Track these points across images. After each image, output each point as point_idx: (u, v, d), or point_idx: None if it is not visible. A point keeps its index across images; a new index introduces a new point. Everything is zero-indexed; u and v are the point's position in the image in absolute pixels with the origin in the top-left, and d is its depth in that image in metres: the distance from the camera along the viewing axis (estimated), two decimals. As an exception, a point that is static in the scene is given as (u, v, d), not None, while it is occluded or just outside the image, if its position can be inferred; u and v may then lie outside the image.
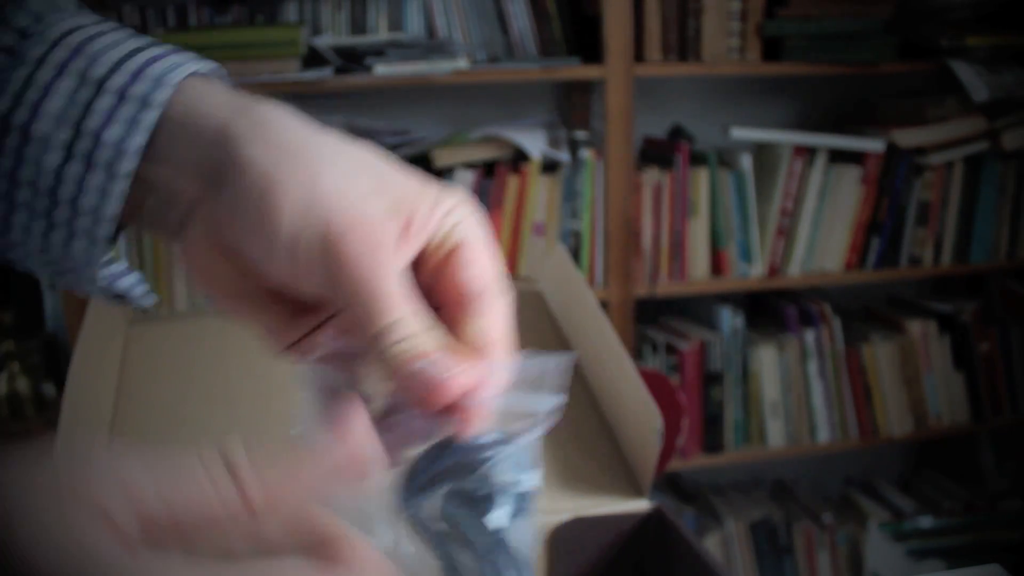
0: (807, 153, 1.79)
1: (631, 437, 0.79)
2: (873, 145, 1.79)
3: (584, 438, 0.82)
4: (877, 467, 2.20)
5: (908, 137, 1.81)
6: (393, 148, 1.70)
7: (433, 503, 0.34)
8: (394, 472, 0.34)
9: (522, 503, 0.35)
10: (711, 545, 1.93)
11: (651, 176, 1.73)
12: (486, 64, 1.66)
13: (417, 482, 0.35)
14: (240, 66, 1.53)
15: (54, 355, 1.71)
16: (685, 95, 1.97)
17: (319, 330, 0.36)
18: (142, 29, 1.65)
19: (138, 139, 0.32)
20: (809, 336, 1.86)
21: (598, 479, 0.78)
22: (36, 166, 0.32)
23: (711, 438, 1.84)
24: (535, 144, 1.65)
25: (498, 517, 0.34)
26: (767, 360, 1.85)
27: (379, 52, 1.58)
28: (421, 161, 1.69)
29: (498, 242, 1.67)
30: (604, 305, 1.68)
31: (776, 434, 1.86)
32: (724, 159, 1.79)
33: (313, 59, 1.61)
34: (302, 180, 0.32)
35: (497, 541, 0.34)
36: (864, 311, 2.05)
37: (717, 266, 1.80)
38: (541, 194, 1.68)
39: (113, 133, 0.32)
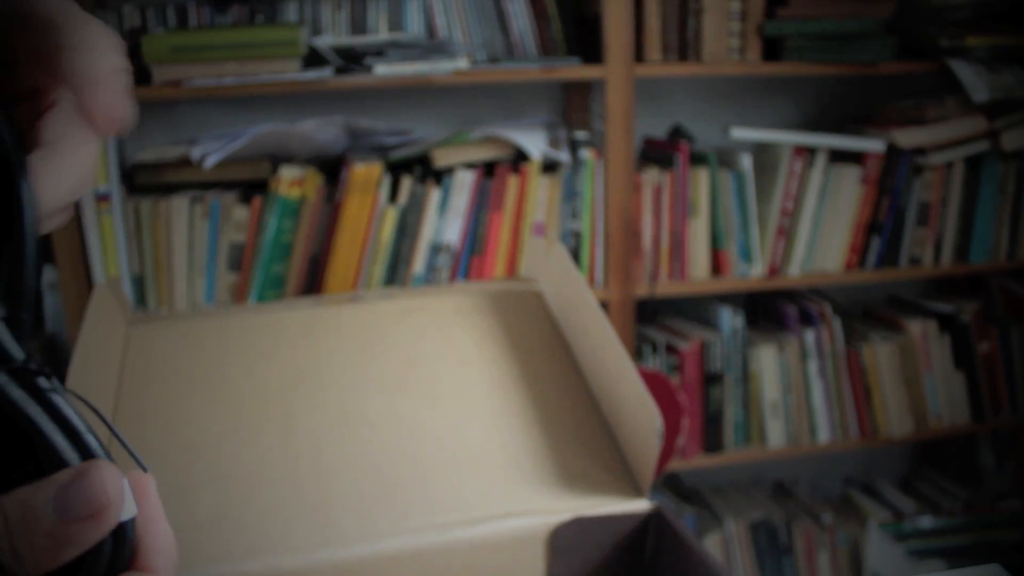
0: (807, 153, 1.79)
1: (631, 437, 0.79)
2: (873, 145, 1.79)
3: (584, 438, 0.82)
4: (877, 467, 2.21)
5: (908, 137, 1.80)
6: (393, 148, 1.70)
7: None
8: None
9: None
10: (711, 545, 1.93)
11: (651, 176, 1.74)
12: (486, 64, 1.66)
13: None
14: (240, 66, 1.53)
15: (54, 355, 1.71)
16: (685, 95, 1.97)
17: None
18: (142, 29, 1.65)
19: None
20: (809, 336, 1.86)
21: (598, 479, 0.78)
22: None
23: (711, 438, 1.84)
24: (535, 144, 1.65)
25: None
26: (767, 360, 1.85)
27: (379, 52, 1.58)
28: (421, 161, 1.69)
29: (498, 242, 1.67)
30: (604, 305, 1.68)
31: (776, 434, 1.86)
32: (724, 159, 1.79)
33: (313, 59, 1.61)
34: None
35: None
36: (864, 311, 2.05)
37: (717, 266, 1.80)
38: (541, 194, 1.68)
39: None
